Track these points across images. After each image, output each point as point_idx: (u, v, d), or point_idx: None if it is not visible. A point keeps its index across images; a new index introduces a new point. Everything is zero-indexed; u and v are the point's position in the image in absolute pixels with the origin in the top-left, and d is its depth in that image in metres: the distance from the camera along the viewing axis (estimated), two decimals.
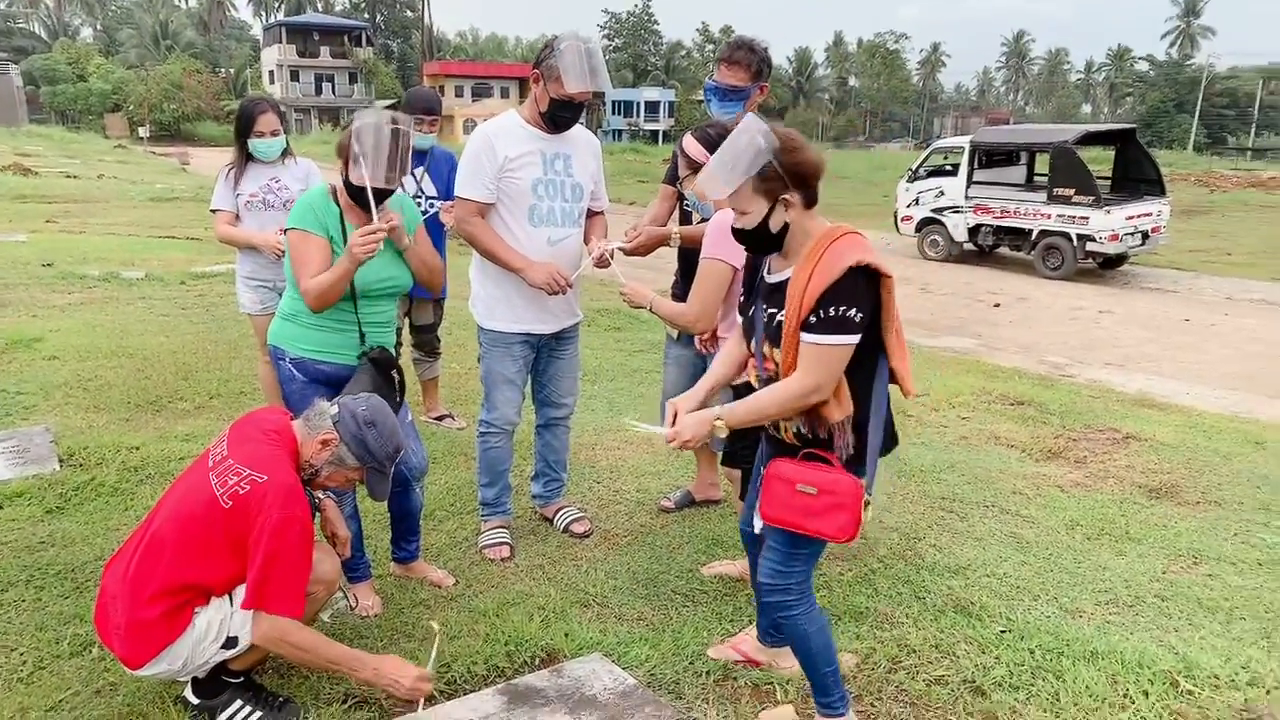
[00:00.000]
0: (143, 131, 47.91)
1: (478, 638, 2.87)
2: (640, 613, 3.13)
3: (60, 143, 37.01)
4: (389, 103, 58.83)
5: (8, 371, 5.62)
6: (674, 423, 2.36)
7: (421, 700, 2.43)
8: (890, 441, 2.35)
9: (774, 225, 2.22)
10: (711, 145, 2.88)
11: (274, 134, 4.17)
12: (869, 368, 2.25)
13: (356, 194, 2.79)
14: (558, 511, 3.86)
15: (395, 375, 3.02)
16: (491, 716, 2.46)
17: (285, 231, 2.89)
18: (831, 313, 2.12)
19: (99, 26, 78.10)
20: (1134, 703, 2.66)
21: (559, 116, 3.32)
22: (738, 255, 2.71)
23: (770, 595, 2.37)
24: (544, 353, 3.64)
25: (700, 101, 70.91)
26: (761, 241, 2.28)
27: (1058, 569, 3.56)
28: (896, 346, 2.25)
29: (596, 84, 3.24)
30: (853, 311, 2.12)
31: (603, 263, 3.37)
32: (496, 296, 3.48)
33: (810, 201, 2.25)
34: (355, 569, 3.08)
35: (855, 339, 2.15)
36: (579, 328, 3.75)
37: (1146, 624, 3.16)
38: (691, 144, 3.19)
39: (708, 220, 3.11)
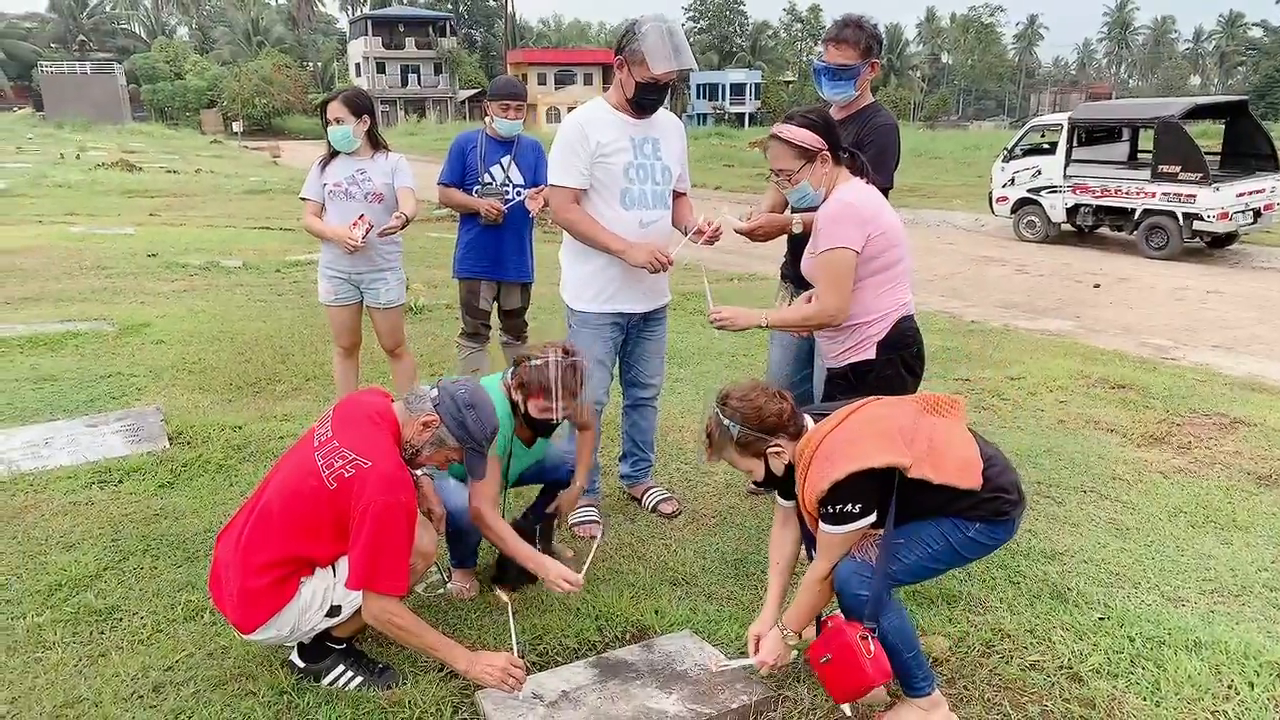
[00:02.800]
0: (236, 127, 49.81)
1: (569, 611, 2.93)
2: (730, 592, 3.14)
3: (160, 139, 38.75)
4: (473, 91, 59.89)
5: (121, 355, 5.93)
6: (757, 650, 2.54)
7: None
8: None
9: (778, 469, 2.44)
10: (818, 129, 2.80)
11: (338, 121, 4.15)
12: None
13: (535, 426, 3.01)
14: (646, 491, 3.89)
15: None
16: (584, 687, 2.51)
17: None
18: (831, 510, 2.29)
19: (194, 25, 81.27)
20: (1238, 694, 2.55)
21: (645, 100, 3.35)
22: (857, 238, 2.75)
23: (843, 595, 2.39)
24: (632, 334, 3.68)
25: (788, 83, 69.96)
26: (777, 483, 2.50)
27: (1159, 556, 3.44)
28: (933, 466, 2.30)
29: (681, 62, 3.25)
30: (851, 507, 2.28)
31: (710, 237, 3.39)
32: (586, 278, 3.53)
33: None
34: (463, 558, 3.15)
35: (864, 522, 2.30)
36: (667, 309, 3.77)
37: (1253, 614, 3.02)
38: (797, 131, 2.82)
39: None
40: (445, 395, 2.55)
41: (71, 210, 14.38)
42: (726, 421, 2.39)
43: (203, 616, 2.89)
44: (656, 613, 2.96)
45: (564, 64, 62.28)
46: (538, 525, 3.24)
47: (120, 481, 3.92)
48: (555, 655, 2.74)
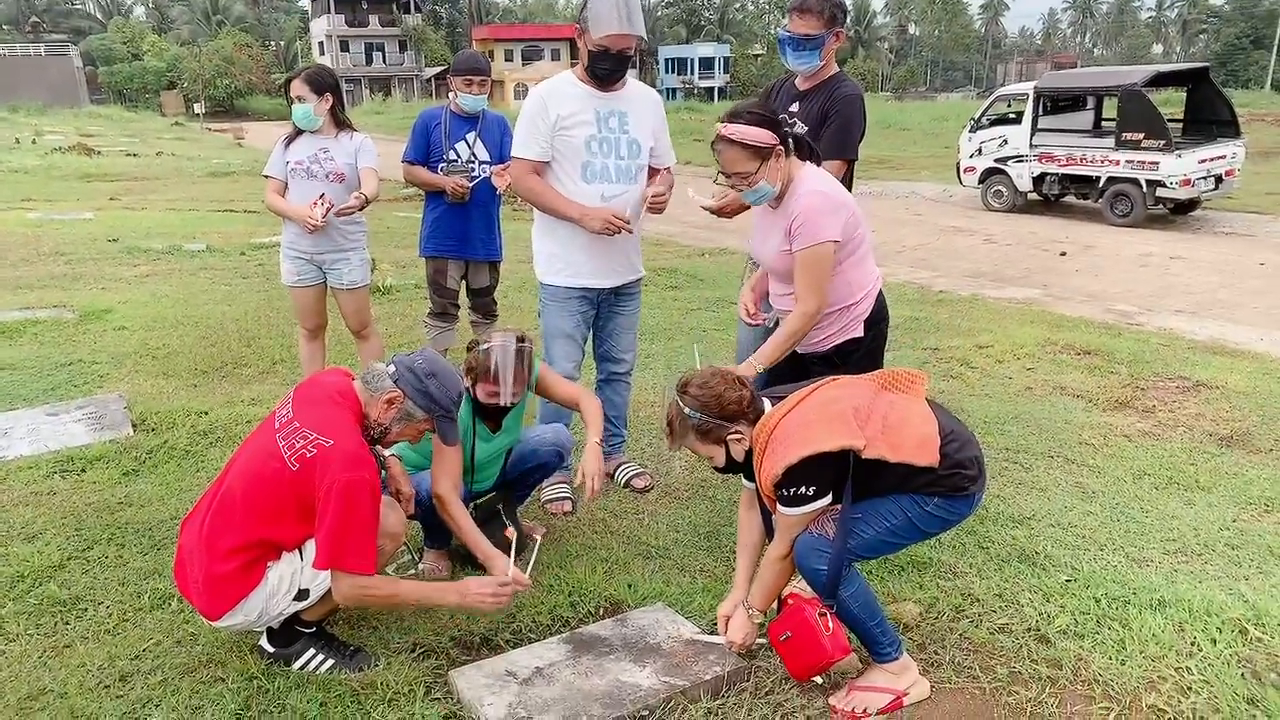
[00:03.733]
0: (198, 108, 48.81)
1: (542, 588, 2.92)
2: (703, 564, 3.15)
3: (119, 122, 37.97)
4: (439, 69, 59.08)
5: (82, 342, 5.82)
6: (726, 629, 2.58)
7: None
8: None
9: (738, 455, 2.44)
10: (768, 123, 2.73)
11: (300, 100, 4.08)
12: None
13: (485, 409, 2.98)
14: (619, 467, 3.89)
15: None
16: (557, 664, 2.51)
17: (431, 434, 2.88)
18: (787, 493, 2.31)
19: (151, 4, 79.36)
20: (1201, 650, 2.60)
21: (600, 69, 3.33)
22: (838, 228, 2.76)
23: (802, 570, 2.41)
24: (604, 308, 3.68)
25: (756, 56, 69.67)
26: (739, 467, 2.49)
27: (1125, 518, 3.49)
28: (889, 446, 2.29)
29: (624, 27, 3.22)
30: (805, 489, 2.29)
31: (651, 205, 3.37)
32: (555, 253, 3.53)
33: None
34: (436, 538, 3.14)
35: (819, 504, 2.32)
36: (640, 284, 3.76)
37: (1216, 572, 3.08)
38: (748, 131, 2.70)
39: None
40: (403, 369, 2.53)
41: (28, 196, 14.06)
42: (687, 410, 2.39)
43: (170, 604, 2.85)
44: (629, 586, 2.96)
45: (531, 39, 61.56)
46: (498, 506, 3.22)
47: (83, 470, 3.86)
48: (528, 632, 2.73)
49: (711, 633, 2.63)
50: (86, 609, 2.84)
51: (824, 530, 2.35)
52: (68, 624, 2.76)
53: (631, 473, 3.85)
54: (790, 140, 2.81)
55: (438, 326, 4.95)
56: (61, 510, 3.47)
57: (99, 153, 22.05)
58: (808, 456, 2.23)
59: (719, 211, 3.45)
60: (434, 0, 76.95)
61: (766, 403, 2.45)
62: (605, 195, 3.41)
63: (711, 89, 62.79)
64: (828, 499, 2.32)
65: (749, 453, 2.43)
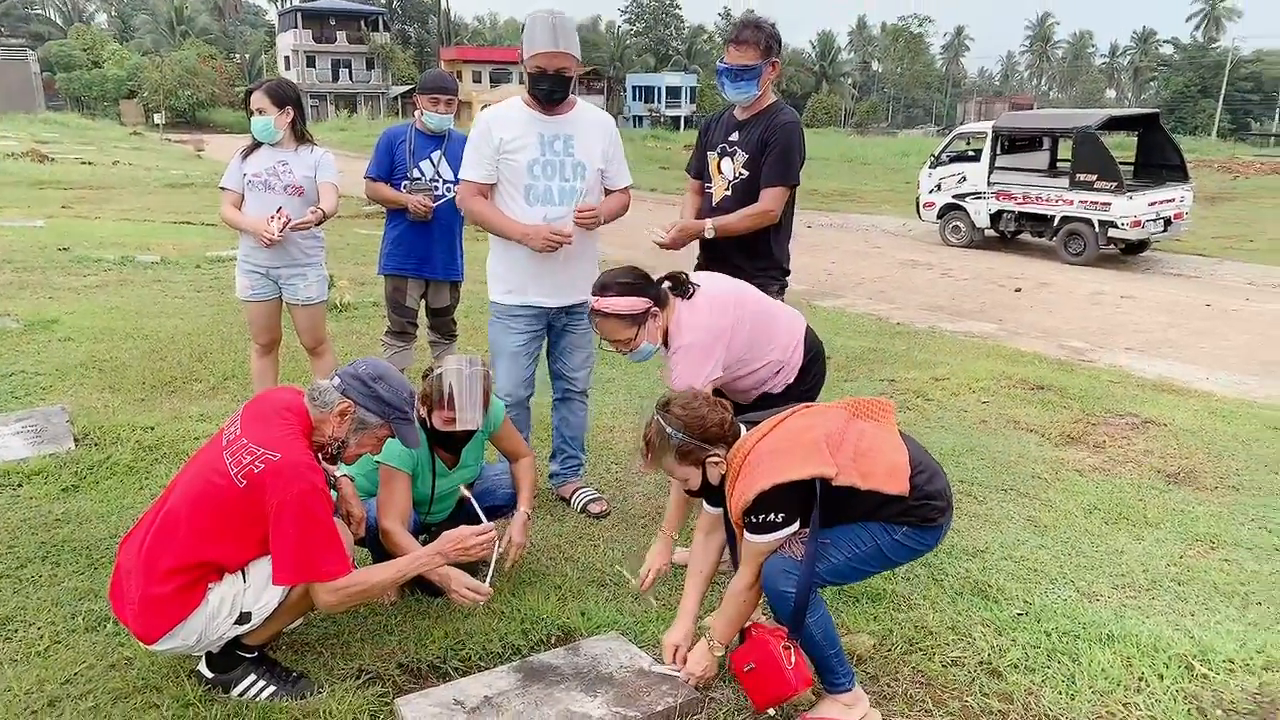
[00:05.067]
0: (158, 118, 48.06)
1: (494, 615, 2.87)
2: (658, 592, 3.10)
3: (76, 129, 37.18)
4: (406, 88, 58.92)
5: (25, 352, 5.65)
6: (674, 658, 2.57)
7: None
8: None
9: (714, 479, 2.43)
10: (637, 289, 2.82)
11: (260, 112, 4.05)
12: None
13: (442, 437, 2.93)
14: (575, 491, 3.86)
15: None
16: (507, 693, 2.45)
17: (378, 464, 2.87)
18: (755, 519, 2.30)
19: (113, 12, 78.29)
20: (1149, 686, 2.63)
21: (538, 90, 3.40)
22: (705, 373, 2.85)
23: (769, 593, 2.39)
24: (556, 327, 3.72)
25: None
26: (709, 490, 2.50)
27: (1075, 553, 3.53)
28: (860, 473, 2.31)
29: (557, 46, 3.30)
30: (775, 516, 2.29)
31: (582, 219, 3.43)
32: (501, 272, 3.60)
33: None
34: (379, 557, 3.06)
35: (788, 531, 2.32)
36: None
37: (1163, 608, 3.12)
38: (620, 302, 2.81)
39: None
40: (348, 378, 2.51)
41: None
42: (669, 429, 2.37)
43: (105, 627, 2.75)
44: (583, 614, 2.92)
45: (499, 62, 61.64)
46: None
47: (19, 485, 3.73)
48: (478, 660, 2.68)
49: (659, 661, 2.60)
50: (16, 630, 2.73)
51: (792, 553, 2.34)
52: None
53: (588, 498, 3.82)
54: (664, 292, 2.88)
55: (395, 346, 4.88)
56: None
57: (53, 159, 21.55)
58: (779, 484, 2.23)
59: (672, 246, 3.53)
60: (403, 20, 76.96)
61: (742, 427, 2.45)
62: (548, 217, 3.46)
63: (678, 117, 63.46)
64: (795, 525, 2.32)
65: (717, 488, 2.43)
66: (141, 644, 2.38)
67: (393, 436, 2.61)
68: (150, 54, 61.15)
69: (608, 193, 3.64)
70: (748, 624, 2.50)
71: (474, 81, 57.92)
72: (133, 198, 15.74)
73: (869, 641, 2.81)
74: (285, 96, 4.14)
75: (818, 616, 2.35)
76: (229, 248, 9.63)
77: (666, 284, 2.90)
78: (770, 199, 3.42)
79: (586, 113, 3.58)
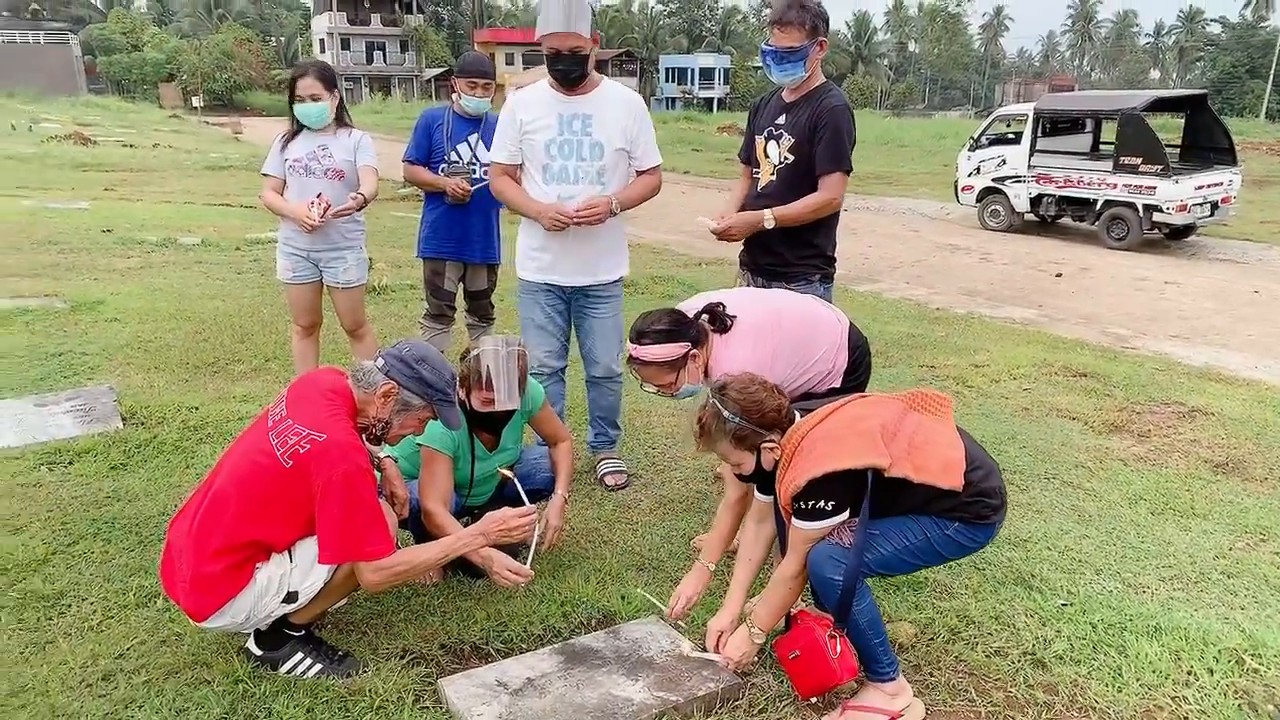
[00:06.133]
0: (196, 101, 48.67)
1: (534, 598, 2.89)
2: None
3: (117, 112, 37.75)
4: (440, 70, 59.08)
5: (73, 333, 5.76)
6: (719, 648, 2.55)
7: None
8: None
9: (768, 464, 2.41)
10: (673, 335, 2.77)
11: (314, 98, 4.07)
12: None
13: (482, 419, 2.93)
14: (600, 461, 3.91)
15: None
16: (549, 675, 2.47)
17: (420, 446, 2.88)
18: (804, 505, 2.29)
19: None
20: (1198, 679, 2.58)
21: (555, 70, 3.45)
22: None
23: (816, 579, 2.38)
24: (576, 307, 3.77)
25: (756, 68, 70.26)
26: (762, 477, 2.47)
27: (1120, 543, 3.47)
28: (914, 466, 2.28)
29: (566, 26, 3.33)
30: (824, 504, 2.28)
31: (583, 219, 3.47)
32: (526, 248, 3.71)
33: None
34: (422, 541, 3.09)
35: (837, 519, 2.31)
36: (616, 288, 3.80)
37: (1212, 601, 3.06)
38: (656, 350, 2.76)
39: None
40: (392, 359, 2.53)
41: (22, 183, 13.93)
42: (726, 413, 2.36)
43: (155, 603, 2.80)
44: (623, 598, 2.93)
45: (532, 44, 61.36)
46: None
47: (70, 463, 3.81)
48: (520, 643, 2.70)
49: (702, 647, 2.60)
50: (70, 605, 2.79)
51: (841, 540, 2.33)
52: (50, 620, 2.72)
53: (608, 469, 3.89)
54: (701, 330, 2.83)
55: (433, 328, 4.91)
56: (47, 503, 3.42)
57: (95, 142, 21.89)
58: (831, 472, 2.21)
59: (724, 235, 3.48)
60: (436, 1, 77.04)
61: (796, 413, 2.43)
62: (562, 196, 3.53)
63: (711, 99, 62.98)
64: (845, 514, 2.30)
65: (769, 473, 2.42)
66: (192, 621, 2.42)
67: (435, 418, 2.63)
68: (188, 37, 61.83)
69: (638, 174, 3.64)
70: (794, 611, 2.49)
71: (506, 63, 57.83)
72: (173, 180, 15.94)
73: (911, 630, 2.79)
74: (333, 80, 4.18)
75: (864, 605, 2.33)
76: (268, 230, 9.75)
77: (703, 317, 2.85)
78: (830, 187, 3.37)
79: (610, 92, 3.59)
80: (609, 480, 3.83)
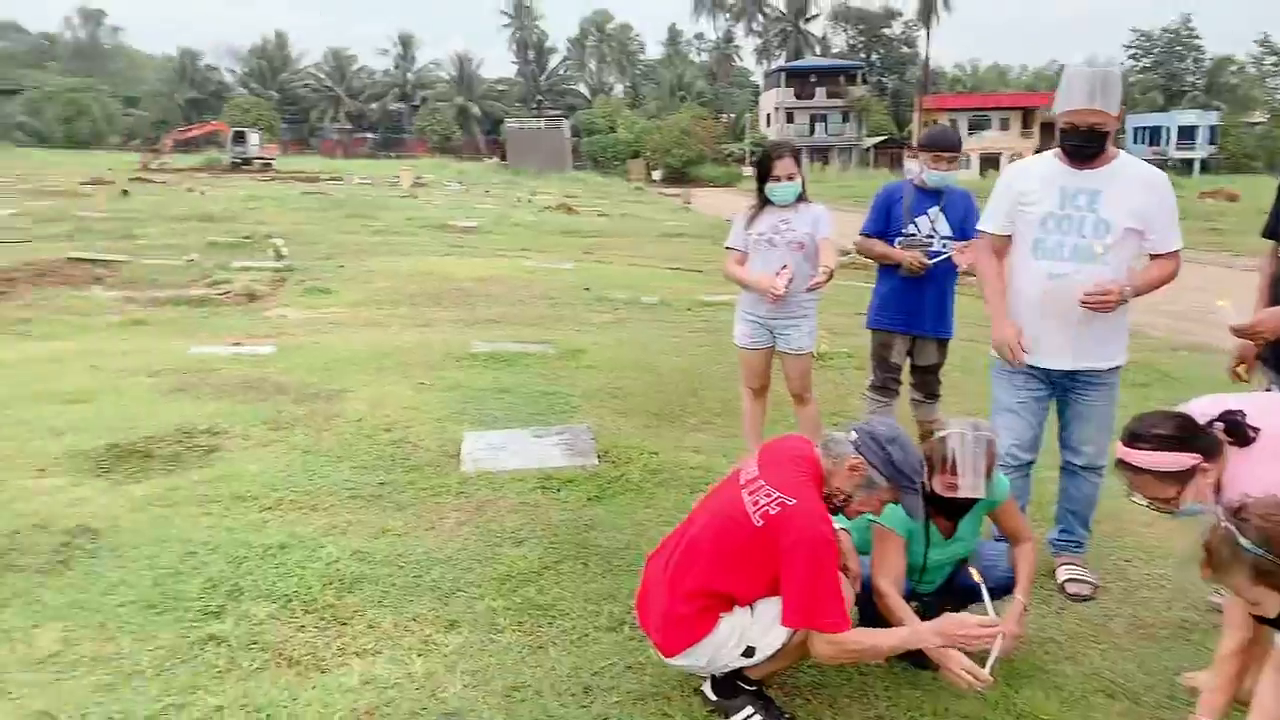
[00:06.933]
0: (656, 174, 54.61)
1: (988, 705, 2.70)
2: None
3: (593, 186, 43.76)
4: (880, 139, 59.79)
5: (560, 375, 6.69)
6: None
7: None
8: None
9: None
10: (1178, 443, 2.40)
11: (789, 178, 4.33)
12: None
13: (941, 504, 2.84)
14: (1062, 565, 3.57)
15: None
16: None
17: (872, 523, 2.87)
18: None
19: (628, 83, 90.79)
20: None
21: (1067, 145, 3.27)
22: None
23: None
24: (1061, 392, 3.50)
25: (1253, 124, 61.03)
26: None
27: None
28: None
29: (1091, 103, 3.13)
30: None
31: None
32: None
33: None
34: (872, 623, 3.05)
35: None
36: (1113, 377, 3.46)
37: None
38: (1155, 457, 2.41)
39: None
40: (865, 436, 2.55)
41: (524, 246, 16.69)
42: (1244, 542, 2.02)
43: (623, 629, 3.10)
44: None
45: (978, 109, 59.75)
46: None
47: (559, 489, 4.39)
48: None
49: None
50: (556, 618, 3.19)
51: None
52: (541, 627, 3.13)
53: (1070, 575, 3.51)
54: (1215, 441, 2.40)
55: (877, 400, 4.90)
56: (542, 522, 3.98)
57: (576, 212, 25.56)
58: None
59: (1251, 333, 3.01)
60: (880, 72, 78.28)
61: None
62: (1052, 273, 3.32)
63: (1190, 161, 55.62)
64: None
65: None
66: (660, 654, 2.64)
67: (896, 502, 2.60)
68: (654, 118, 69.74)
69: (1151, 258, 3.33)
70: None
71: None
72: (635, 245, 18.00)
73: None
74: (800, 159, 4.44)
75: None
76: (717, 293, 10.54)
77: (1218, 426, 2.44)
78: None
79: (1127, 167, 3.31)
80: (1071, 589, 3.46)
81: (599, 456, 4.85)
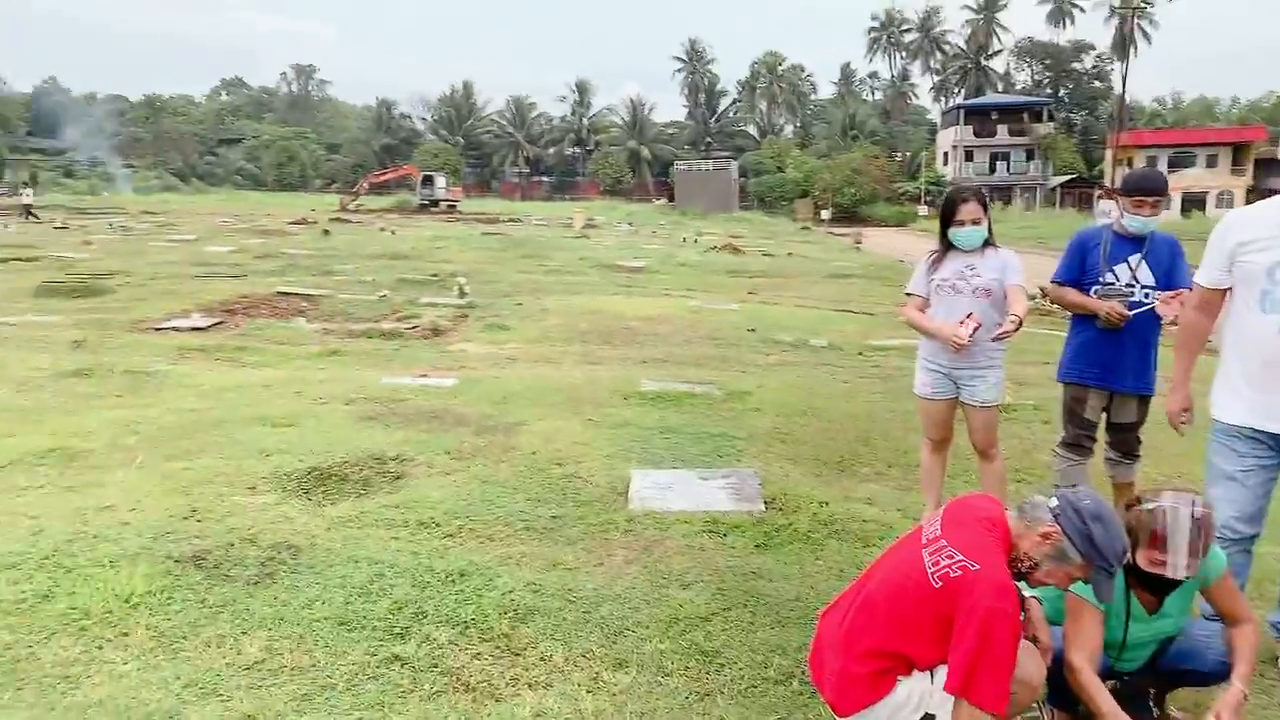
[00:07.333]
0: (824, 214, 53.98)
1: None
2: None
3: (759, 225, 43.79)
4: (1067, 178, 56.68)
5: (725, 417, 6.67)
6: None
7: None
8: None
9: None
10: None
11: (974, 223, 4.18)
12: None
13: (1145, 578, 2.66)
14: None
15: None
16: None
17: (1067, 592, 2.69)
18: None
19: (798, 124, 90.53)
20: None
21: None
22: None
23: None
24: None
25: None
26: None
27: None
28: None
29: None
30: None
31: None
32: (1223, 381, 3.28)
33: None
34: (1062, 699, 2.85)
35: None
36: None
37: None
38: None
39: None
40: (1067, 505, 2.40)
41: (690, 286, 16.87)
42: None
43: (791, 683, 3.04)
44: None
45: (1181, 145, 55.61)
46: (1149, 694, 2.80)
47: (725, 534, 4.36)
48: None
49: None
50: (724, 666, 3.16)
51: None
52: (709, 674, 3.11)
53: None
54: None
55: (1068, 459, 4.58)
56: (708, 566, 3.96)
57: (742, 252, 25.60)
58: None
59: None
60: (1068, 108, 74.41)
61: None
62: None
63: None
64: None
65: None
66: (834, 713, 2.56)
67: (1087, 581, 2.43)
68: (825, 157, 69.17)
69: None
70: None
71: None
72: (802, 286, 17.80)
73: None
74: (986, 203, 4.26)
75: None
76: (890, 337, 10.26)
77: None
78: None
79: None
80: None
81: (765, 503, 4.79)
